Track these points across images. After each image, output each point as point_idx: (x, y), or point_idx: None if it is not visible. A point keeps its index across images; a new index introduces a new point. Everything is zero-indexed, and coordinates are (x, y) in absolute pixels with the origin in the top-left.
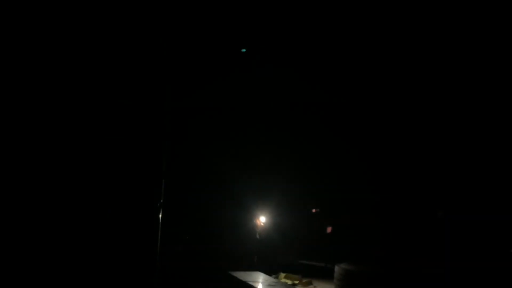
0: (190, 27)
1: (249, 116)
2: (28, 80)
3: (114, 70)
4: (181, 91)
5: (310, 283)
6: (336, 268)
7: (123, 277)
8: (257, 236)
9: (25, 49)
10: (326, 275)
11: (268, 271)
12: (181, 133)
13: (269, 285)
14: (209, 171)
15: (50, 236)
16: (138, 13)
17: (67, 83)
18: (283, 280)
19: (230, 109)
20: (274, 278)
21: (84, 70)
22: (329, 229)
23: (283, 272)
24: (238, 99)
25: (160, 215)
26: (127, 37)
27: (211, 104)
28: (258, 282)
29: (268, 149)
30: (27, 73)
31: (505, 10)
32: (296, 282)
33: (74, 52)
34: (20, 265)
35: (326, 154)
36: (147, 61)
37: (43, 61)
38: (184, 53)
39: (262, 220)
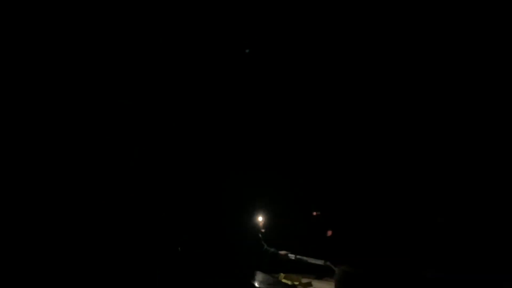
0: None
1: (251, 115)
2: (28, 80)
3: (115, 69)
4: (178, 91)
5: (310, 285)
6: (337, 270)
7: (123, 277)
8: (260, 235)
9: (25, 49)
10: (327, 275)
11: (268, 271)
12: (182, 131)
13: (269, 284)
14: (210, 168)
15: (50, 236)
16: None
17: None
18: (283, 280)
19: (231, 108)
20: (274, 278)
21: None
22: (329, 233)
23: (283, 272)
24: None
25: (161, 215)
26: (129, 37)
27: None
28: (257, 281)
29: (270, 147)
30: (27, 73)
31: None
32: (296, 283)
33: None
34: (20, 265)
35: (327, 153)
36: (154, 60)
37: (43, 61)
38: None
39: (261, 219)
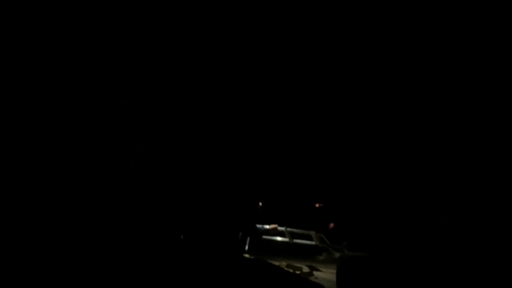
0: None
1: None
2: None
3: (115, 70)
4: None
5: (311, 274)
6: (338, 259)
7: (123, 277)
8: (255, 221)
9: (26, 50)
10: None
11: (270, 259)
12: (182, 132)
13: (272, 272)
14: (210, 164)
15: (51, 236)
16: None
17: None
18: (286, 268)
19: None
20: (277, 266)
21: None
22: (331, 225)
23: (282, 256)
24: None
25: (160, 212)
26: (129, 38)
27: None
28: (261, 268)
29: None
30: (28, 73)
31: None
32: (298, 272)
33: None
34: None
35: (330, 149)
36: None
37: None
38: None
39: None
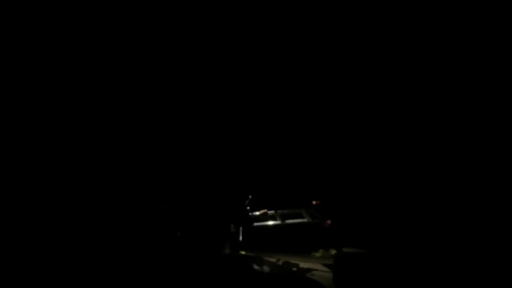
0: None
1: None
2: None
3: (115, 70)
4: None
5: (308, 271)
6: (335, 256)
7: (123, 276)
8: (248, 212)
9: (26, 50)
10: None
11: (266, 255)
12: (181, 132)
13: (270, 269)
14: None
15: (51, 235)
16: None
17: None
18: (282, 265)
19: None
20: (274, 263)
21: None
22: (329, 222)
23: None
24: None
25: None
26: (129, 38)
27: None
28: (259, 266)
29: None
30: (28, 73)
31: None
32: (294, 269)
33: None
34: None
35: (328, 146)
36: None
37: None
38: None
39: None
